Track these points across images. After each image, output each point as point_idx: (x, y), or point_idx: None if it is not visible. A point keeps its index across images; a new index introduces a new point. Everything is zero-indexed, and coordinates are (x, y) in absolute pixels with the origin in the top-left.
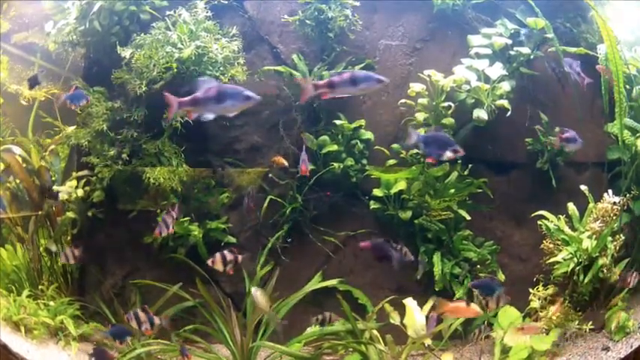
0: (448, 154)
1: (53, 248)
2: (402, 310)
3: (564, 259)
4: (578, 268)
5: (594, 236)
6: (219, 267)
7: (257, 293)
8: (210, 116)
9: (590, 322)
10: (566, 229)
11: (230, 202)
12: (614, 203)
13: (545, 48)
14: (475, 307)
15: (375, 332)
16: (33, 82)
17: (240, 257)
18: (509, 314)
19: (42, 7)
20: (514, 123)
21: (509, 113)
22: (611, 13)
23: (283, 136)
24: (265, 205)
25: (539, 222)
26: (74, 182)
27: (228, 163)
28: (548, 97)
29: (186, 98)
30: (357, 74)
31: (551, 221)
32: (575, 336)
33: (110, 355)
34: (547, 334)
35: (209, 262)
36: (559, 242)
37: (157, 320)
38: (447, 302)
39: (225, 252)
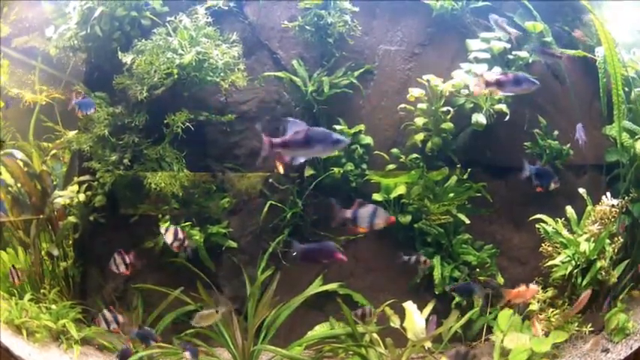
0: (553, 185)
1: (55, 252)
2: (402, 313)
3: (562, 262)
4: (576, 270)
5: (592, 239)
6: (168, 239)
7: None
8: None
9: (590, 324)
10: (564, 232)
11: (231, 206)
12: (613, 206)
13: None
14: (534, 287)
15: (375, 335)
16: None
17: (187, 241)
18: (508, 317)
19: (43, 10)
20: (513, 127)
21: (507, 117)
22: (610, 15)
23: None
24: (265, 209)
25: (537, 225)
26: (76, 187)
27: (228, 168)
28: (547, 101)
29: (277, 140)
30: (519, 75)
31: (549, 224)
32: (575, 338)
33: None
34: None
35: (162, 229)
36: (557, 245)
37: (121, 318)
38: (511, 290)
39: (179, 229)
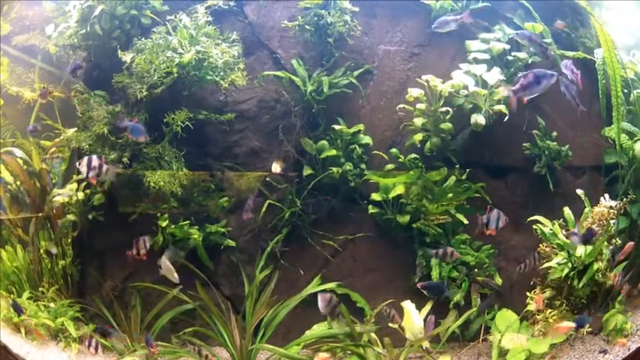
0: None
1: (54, 250)
2: (400, 312)
3: (559, 264)
4: (572, 272)
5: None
6: (83, 170)
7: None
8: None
9: (588, 325)
10: (561, 235)
11: (229, 205)
12: (611, 207)
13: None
14: None
15: (373, 335)
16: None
17: (106, 167)
18: (506, 317)
19: (43, 9)
20: (512, 127)
21: (506, 118)
22: (611, 16)
23: (283, 141)
24: (264, 209)
25: (534, 227)
26: (75, 185)
27: (227, 167)
28: (546, 102)
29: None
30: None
31: (546, 226)
32: (573, 338)
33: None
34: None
35: (77, 164)
36: (555, 246)
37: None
38: None
39: (94, 157)
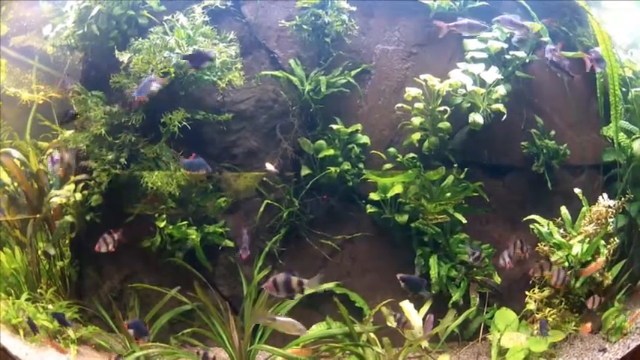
0: None
1: (51, 251)
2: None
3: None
4: (570, 272)
5: (587, 240)
6: (49, 165)
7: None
8: None
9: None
10: (556, 235)
11: (227, 206)
12: (609, 207)
13: (541, 52)
14: None
15: (372, 335)
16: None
17: (67, 155)
18: (505, 316)
19: (40, 10)
20: (510, 126)
21: (504, 117)
22: (610, 16)
23: (281, 140)
24: (262, 209)
25: (531, 226)
26: (72, 186)
27: (225, 168)
28: (544, 101)
29: None
30: None
31: (543, 225)
32: (573, 337)
33: None
34: None
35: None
36: (552, 245)
37: None
38: None
39: (56, 151)
